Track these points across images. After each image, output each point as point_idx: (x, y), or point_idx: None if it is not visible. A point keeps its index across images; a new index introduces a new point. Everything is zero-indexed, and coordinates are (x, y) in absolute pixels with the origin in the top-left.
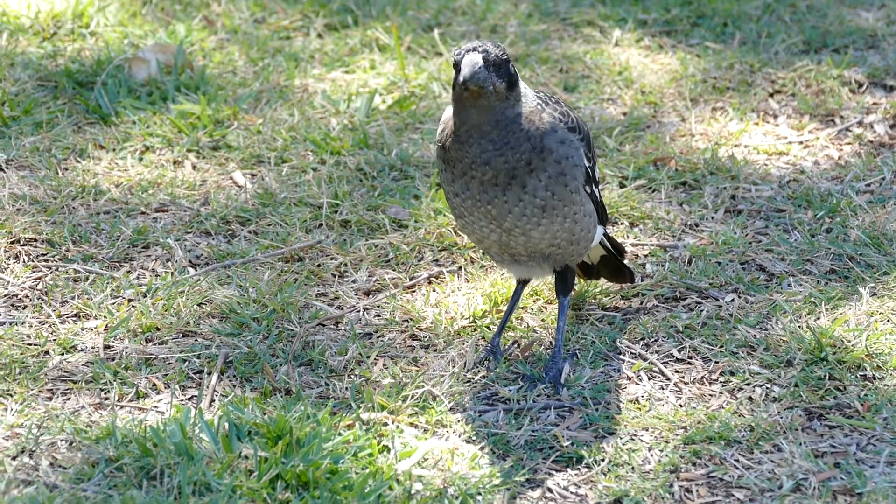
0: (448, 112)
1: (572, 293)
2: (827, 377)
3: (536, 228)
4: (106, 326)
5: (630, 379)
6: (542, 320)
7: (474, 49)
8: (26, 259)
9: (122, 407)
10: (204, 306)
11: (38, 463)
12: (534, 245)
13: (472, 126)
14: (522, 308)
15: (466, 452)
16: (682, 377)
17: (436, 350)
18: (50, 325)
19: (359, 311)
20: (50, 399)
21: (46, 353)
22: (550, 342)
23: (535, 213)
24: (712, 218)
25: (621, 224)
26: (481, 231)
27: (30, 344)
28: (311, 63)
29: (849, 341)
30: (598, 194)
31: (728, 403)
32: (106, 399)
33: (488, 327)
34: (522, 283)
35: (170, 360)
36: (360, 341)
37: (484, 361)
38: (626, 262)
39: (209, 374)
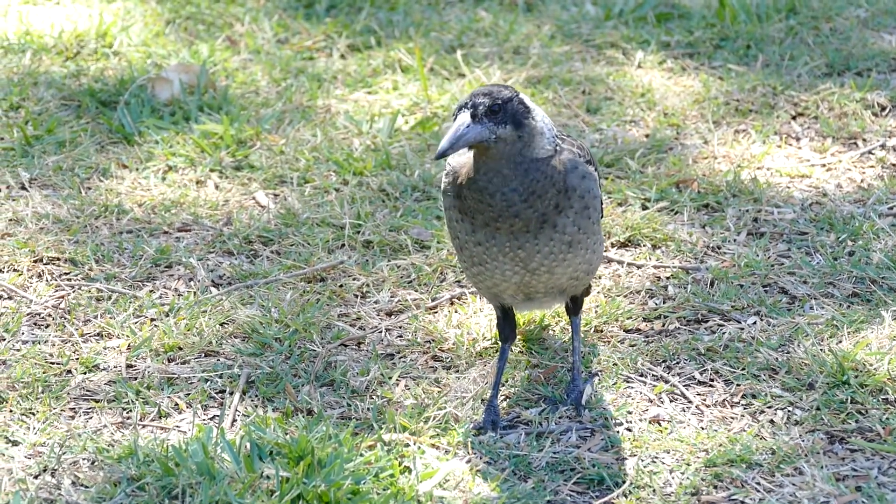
0: (456, 158)
1: (583, 311)
2: (849, 401)
3: (562, 264)
4: (128, 346)
5: (651, 401)
6: (564, 341)
7: (464, 106)
8: (49, 278)
9: (144, 426)
10: (226, 326)
11: (61, 482)
12: (555, 281)
13: (491, 170)
14: (544, 328)
15: (488, 474)
16: (704, 400)
17: (458, 371)
18: (72, 344)
19: (381, 332)
20: (72, 418)
21: (69, 371)
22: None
23: (562, 250)
24: (734, 240)
25: (644, 246)
26: (503, 275)
27: (52, 363)
28: (333, 83)
29: (871, 365)
30: None
31: (750, 426)
32: (128, 418)
33: None
34: (508, 344)
35: (192, 380)
36: (382, 362)
37: (481, 430)
38: None
39: (231, 393)
